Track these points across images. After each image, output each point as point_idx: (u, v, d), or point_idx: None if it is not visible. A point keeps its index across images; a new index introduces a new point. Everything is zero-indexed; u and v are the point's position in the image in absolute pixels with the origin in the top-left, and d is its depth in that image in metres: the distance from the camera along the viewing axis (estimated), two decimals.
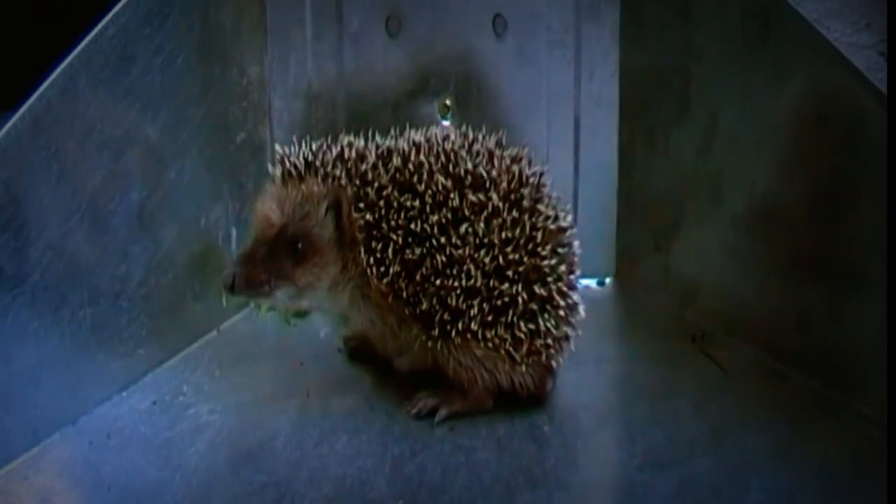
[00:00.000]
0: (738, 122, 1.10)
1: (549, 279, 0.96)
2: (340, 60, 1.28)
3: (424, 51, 1.28)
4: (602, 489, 0.91)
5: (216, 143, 1.18)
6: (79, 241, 0.97)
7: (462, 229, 0.94)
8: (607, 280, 1.31)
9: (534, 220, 0.96)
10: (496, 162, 0.98)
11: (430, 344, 0.96)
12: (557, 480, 0.89)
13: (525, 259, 0.95)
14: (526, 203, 0.97)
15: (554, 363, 0.99)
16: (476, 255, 0.94)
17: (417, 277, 0.95)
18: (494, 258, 0.94)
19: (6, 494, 0.86)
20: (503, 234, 0.94)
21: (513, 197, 0.96)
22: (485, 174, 0.96)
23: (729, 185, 1.13)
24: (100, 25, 0.97)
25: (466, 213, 0.95)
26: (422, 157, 0.96)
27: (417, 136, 0.99)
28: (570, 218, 1.01)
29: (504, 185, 0.96)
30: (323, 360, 1.13)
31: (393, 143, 1.00)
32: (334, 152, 0.98)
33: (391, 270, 0.95)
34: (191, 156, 1.13)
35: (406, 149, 0.97)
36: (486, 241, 0.94)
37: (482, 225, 0.94)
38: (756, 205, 1.08)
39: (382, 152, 0.98)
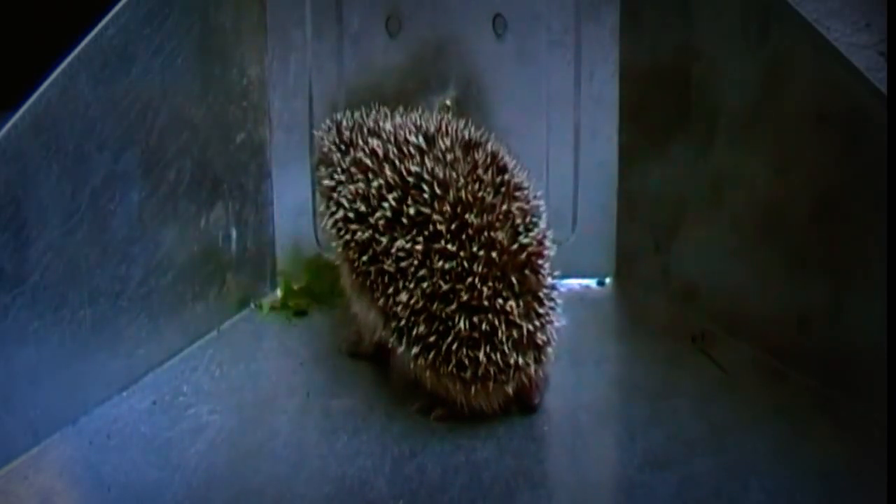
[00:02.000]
0: (738, 122, 1.10)
1: (492, 311, 0.90)
2: (340, 60, 1.28)
3: (424, 51, 1.28)
4: (602, 489, 0.91)
5: (216, 143, 1.18)
6: (79, 241, 0.97)
7: (403, 240, 0.91)
8: (607, 280, 1.31)
9: (481, 245, 0.90)
10: (460, 164, 0.93)
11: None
12: (557, 480, 0.90)
13: (463, 288, 0.90)
14: (478, 222, 0.91)
15: (509, 389, 0.93)
16: (416, 273, 0.91)
17: (371, 272, 0.93)
18: (431, 284, 0.90)
19: (6, 494, 0.86)
20: (441, 263, 0.90)
21: (465, 216, 0.91)
22: (433, 179, 0.92)
23: (729, 185, 1.13)
24: (100, 25, 0.97)
25: (405, 221, 0.92)
26: (386, 142, 0.96)
27: (413, 117, 1.00)
28: (546, 235, 0.96)
29: (455, 195, 0.91)
30: (323, 360, 1.13)
31: (397, 118, 1.00)
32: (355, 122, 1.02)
33: (349, 252, 0.95)
34: (191, 156, 1.13)
35: (389, 129, 0.98)
36: (425, 262, 0.90)
37: (421, 243, 0.91)
38: (756, 205, 1.08)
39: (372, 127, 0.98)
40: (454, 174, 0.93)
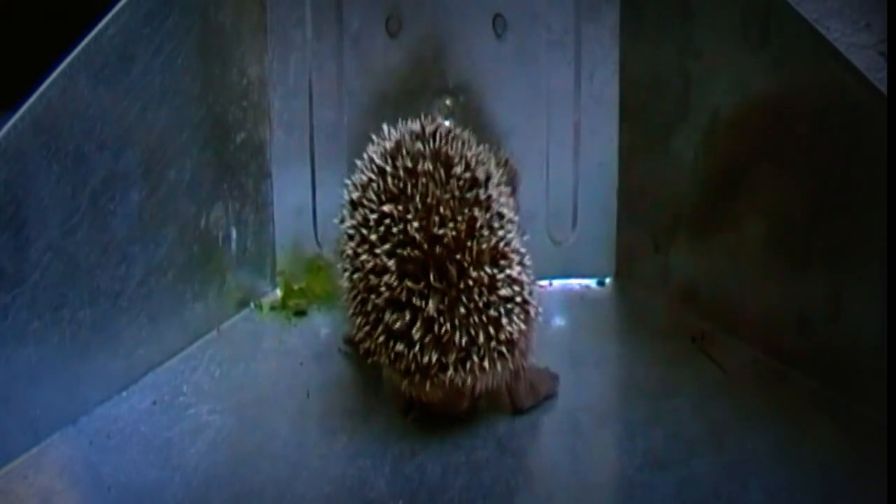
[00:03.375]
0: (738, 122, 1.10)
1: (407, 306, 0.90)
2: (340, 60, 1.28)
3: (424, 51, 1.28)
4: (602, 489, 0.91)
5: (216, 143, 1.18)
6: (79, 241, 0.97)
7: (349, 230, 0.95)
8: (607, 280, 1.31)
9: (400, 240, 0.91)
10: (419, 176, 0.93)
11: None
12: (557, 480, 0.89)
13: (381, 283, 0.91)
14: (398, 212, 0.92)
15: (460, 385, 0.91)
16: (352, 265, 0.94)
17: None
18: (363, 277, 0.93)
19: (6, 494, 0.86)
20: (366, 256, 0.93)
21: (385, 206, 0.93)
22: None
23: (729, 185, 1.13)
24: (100, 25, 0.97)
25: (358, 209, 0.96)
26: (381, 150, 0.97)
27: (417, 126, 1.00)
28: (508, 239, 0.93)
29: (386, 187, 0.94)
30: (323, 360, 1.13)
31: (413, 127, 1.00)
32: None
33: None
34: (191, 156, 1.13)
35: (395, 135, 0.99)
36: (357, 255, 0.93)
37: (354, 232, 0.95)
38: (756, 205, 1.08)
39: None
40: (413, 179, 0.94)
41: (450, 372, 0.89)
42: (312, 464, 0.93)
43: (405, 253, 0.91)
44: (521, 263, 0.93)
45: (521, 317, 0.92)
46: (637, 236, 1.28)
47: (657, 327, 1.19)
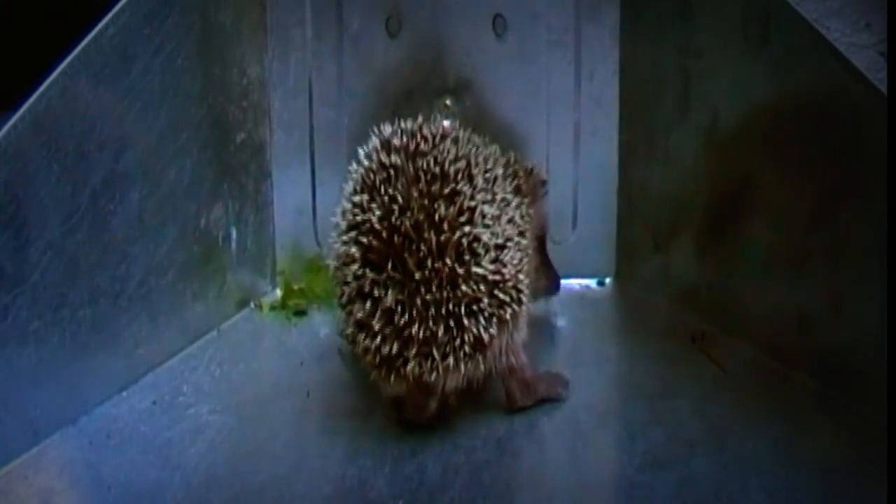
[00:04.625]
0: (738, 122, 1.10)
1: (369, 298, 0.91)
2: (340, 60, 1.28)
3: (424, 51, 1.28)
4: (602, 489, 0.91)
5: (216, 143, 1.18)
6: (79, 241, 0.97)
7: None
8: (607, 280, 1.31)
9: (363, 231, 0.93)
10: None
11: None
12: (557, 480, 0.90)
13: (350, 274, 0.93)
14: (365, 201, 0.94)
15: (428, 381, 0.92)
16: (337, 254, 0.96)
17: None
18: (338, 268, 0.96)
19: (6, 494, 0.86)
20: (339, 247, 0.95)
21: (357, 196, 0.95)
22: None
23: (729, 185, 1.13)
24: (100, 25, 0.97)
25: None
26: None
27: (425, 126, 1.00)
28: (477, 235, 0.93)
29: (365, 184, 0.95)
30: (323, 360, 1.13)
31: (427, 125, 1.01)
32: None
33: None
34: (191, 156, 1.13)
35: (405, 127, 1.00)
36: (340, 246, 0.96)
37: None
38: (756, 205, 1.08)
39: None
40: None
41: (411, 365, 0.90)
42: (312, 464, 0.93)
43: (367, 242, 0.92)
44: (497, 261, 0.93)
45: (493, 320, 0.92)
46: (637, 236, 1.28)
47: (657, 327, 1.19)
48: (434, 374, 0.91)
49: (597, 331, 1.20)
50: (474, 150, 0.99)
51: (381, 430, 0.97)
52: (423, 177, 0.94)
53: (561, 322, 1.21)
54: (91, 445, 0.94)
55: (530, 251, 1.02)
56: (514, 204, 0.99)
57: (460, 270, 0.91)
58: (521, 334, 0.98)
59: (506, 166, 1.03)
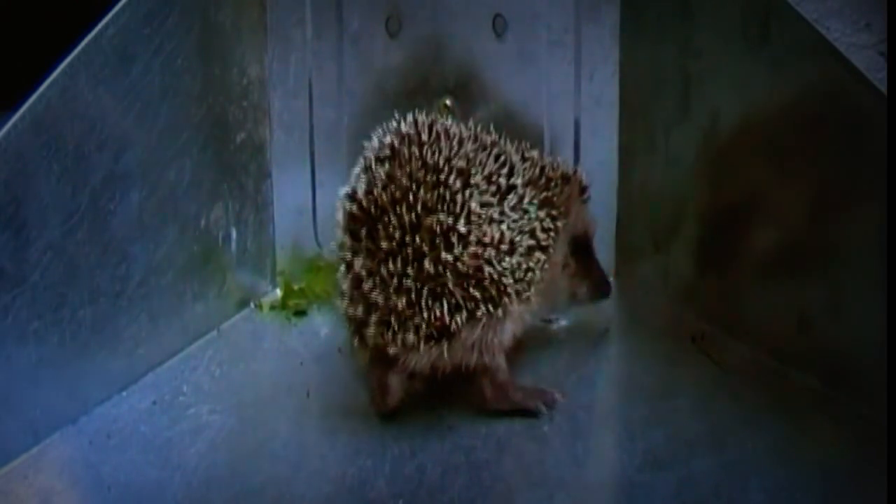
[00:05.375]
0: (738, 122, 1.10)
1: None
2: (340, 60, 1.28)
3: (424, 51, 1.28)
4: (602, 489, 0.91)
5: (216, 143, 1.18)
6: (79, 241, 0.97)
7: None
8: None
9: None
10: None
11: None
12: (557, 480, 0.89)
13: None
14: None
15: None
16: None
17: None
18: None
19: (6, 494, 0.86)
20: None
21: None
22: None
23: (729, 185, 1.13)
24: (100, 25, 0.97)
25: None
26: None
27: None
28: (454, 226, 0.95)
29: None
30: (323, 360, 1.13)
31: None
32: None
33: None
34: (191, 156, 1.13)
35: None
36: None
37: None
38: (756, 205, 1.08)
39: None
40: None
41: (372, 330, 0.94)
42: (312, 464, 0.93)
43: (348, 209, 0.98)
44: (477, 257, 0.94)
45: (462, 311, 0.94)
46: (637, 236, 1.28)
47: (657, 327, 1.19)
48: (394, 347, 0.94)
49: (597, 331, 1.20)
50: (486, 154, 1.00)
51: (381, 430, 0.97)
52: (414, 162, 0.97)
53: (561, 322, 1.21)
54: (91, 445, 0.94)
55: (547, 261, 1.02)
56: (530, 216, 1.00)
57: (427, 250, 0.94)
58: (503, 338, 0.98)
59: (538, 176, 1.04)
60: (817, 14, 0.99)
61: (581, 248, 1.13)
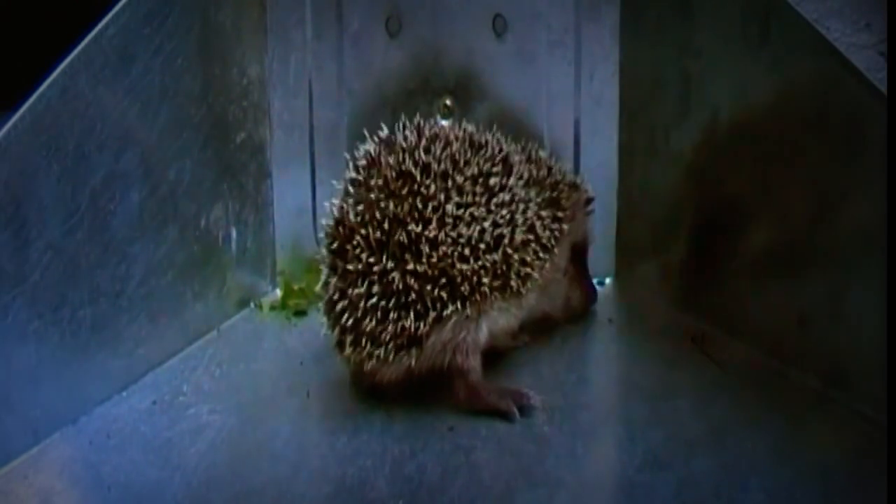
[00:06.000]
0: (738, 122, 1.10)
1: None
2: (340, 60, 1.28)
3: (424, 51, 1.28)
4: (602, 489, 0.91)
5: (216, 143, 1.18)
6: (79, 241, 0.97)
7: None
8: (607, 280, 1.31)
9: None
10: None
11: None
12: (557, 480, 0.89)
13: None
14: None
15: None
16: None
17: None
18: None
19: (6, 494, 0.86)
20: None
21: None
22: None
23: (729, 185, 1.13)
24: (100, 25, 0.97)
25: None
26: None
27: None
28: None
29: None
30: (323, 360, 1.12)
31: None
32: None
33: None
34: (191, 156, 1.13)
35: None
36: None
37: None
38: (756, 205, 1.08)
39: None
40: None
41: (347, 351, 0.98)
42: (312, 464, 0.93)
43: (327, 227, 1.01)
44: (446, 256, 0.95)
45: (428, 315, 0.95)
46: (637, 236, 1.28)
47: (657, 327, 1.19)
48: (368, 364, 0.97)
49: (597, 331, 1.20)
50: (476, 155, 1.01)
51: (381, 430, 0.97)
52: (389, 171, 0.98)
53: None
54: (91, 445, 0.94)
55: (549, 261, 1.04)
56: (529, 207, 1.01)
57: (392, 266, 0.95)
58: (476, 337, 0.99)
59: (545, 176, 1.07)
60: (817, 14, 0.99)
61: (578, 256, 1.16)
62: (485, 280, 0.97)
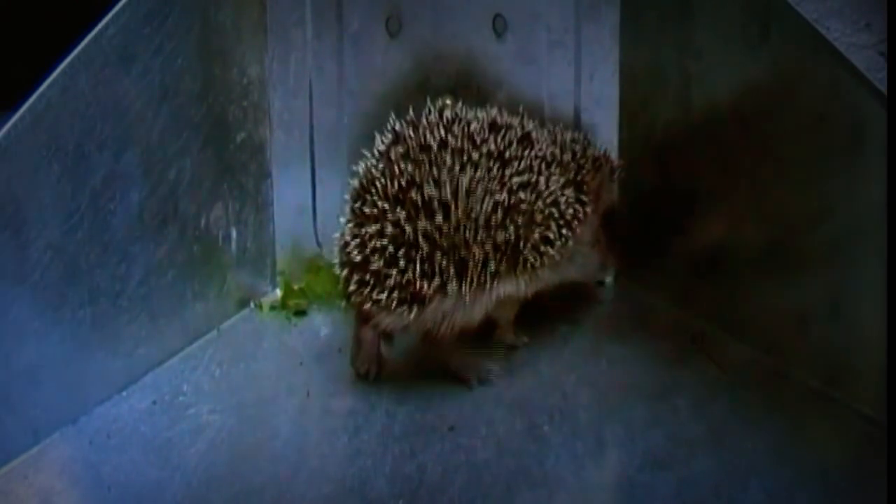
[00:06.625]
0: (737, 122, 1.10)
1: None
2: (340, 60, 1.28)
3: (424, 51, 1.28)
4: (602, 489, 0.91)
5: (216, 143, 1.18)
6: (79, 241, 0.97)
7: None
8: (607, 280, 1.31)
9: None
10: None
11: None
12: (557, 480, 0.89)
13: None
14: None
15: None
16: None
17: None
18: None
19: (6, 494, 0.86)
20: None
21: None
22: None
23: (729, 185, 1.12)
24: (100, 25, 0.97)
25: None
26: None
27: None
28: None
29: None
30: (323, 360, 1.13)
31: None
32: None
33: None
34: (191, 156, 1.13)
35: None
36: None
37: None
38: (756, 204, 1.08)
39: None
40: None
41: (351, 287, 1.01)
42: (312, 464, 0.93)
43: (351, 186, 1.05)
44: (458, 229, 0.98)
45: (433, 277, 0.98)
46: (637, 236, 1.28)
47: (657, 327, 1.19)
48: (368, 304, 1.00)
49: (597, 331, 1.20)
50: (496, 134, 1.04)
51: (381, 430, 0.97)
52: (410, 142, 1.03)
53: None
54: (91, 445, 0.94)
55: (571, 239, 1.06)
56: (542, 187, 1.03)
57: (406, 218, 0.99)
58: (472, 314, 1.02)
59: (570, 159, 1.10)
60: (817, 14, 0.98)
61: (608, 219, 1.19)
62: (492, 262, 1.00)
